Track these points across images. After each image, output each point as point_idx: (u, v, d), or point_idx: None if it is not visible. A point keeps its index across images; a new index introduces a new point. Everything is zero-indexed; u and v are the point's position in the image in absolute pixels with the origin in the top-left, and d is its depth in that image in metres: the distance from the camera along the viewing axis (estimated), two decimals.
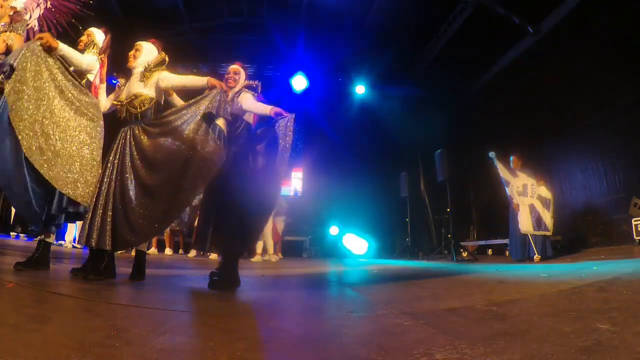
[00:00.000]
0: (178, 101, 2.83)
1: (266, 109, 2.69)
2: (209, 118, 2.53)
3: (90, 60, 2.71)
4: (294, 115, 2.67)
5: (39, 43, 2.41)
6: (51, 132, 2.44)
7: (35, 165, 2.35)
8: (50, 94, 2.46)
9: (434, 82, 8.90)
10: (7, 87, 2.25)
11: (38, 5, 2.51)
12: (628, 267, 3.12)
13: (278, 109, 2.68)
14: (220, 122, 2.58)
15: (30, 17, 2.56)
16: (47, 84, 2.44)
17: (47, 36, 2.46)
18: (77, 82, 2.59)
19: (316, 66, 9.13)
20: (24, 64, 2.33)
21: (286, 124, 2.69)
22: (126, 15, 7.46)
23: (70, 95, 2.54)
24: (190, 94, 2.70)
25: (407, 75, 9.32)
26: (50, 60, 2.47)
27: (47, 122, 2.43)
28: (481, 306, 1.75)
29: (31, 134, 2.36)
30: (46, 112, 2.43)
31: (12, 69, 2.24)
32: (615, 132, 5.75)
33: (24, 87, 2.34)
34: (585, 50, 5.87)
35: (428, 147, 8.14)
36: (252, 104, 2.77)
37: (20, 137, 2.31)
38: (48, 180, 2.39)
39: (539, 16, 6.53)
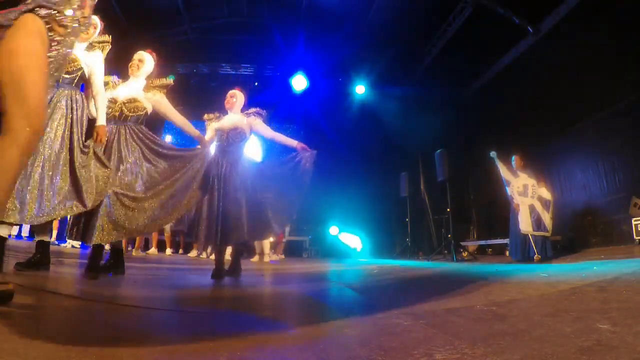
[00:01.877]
0: (177, 118, 2.95)
1: (293, 142, 3.11)
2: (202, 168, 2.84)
3: (100, 67, 2.70)
4: (315, 152, 3.01)
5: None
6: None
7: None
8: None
9: (434, 82, 8.90)
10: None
11: None
12: (628, 267, 3.12)
13: (304, 145, 3.05)
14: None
15: None
16: None
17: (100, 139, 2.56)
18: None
19: (316, 66, 9.13)
20: None
21: (308, 158, 3.00)
22: (126, 15, 7.46)
23: None
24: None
25: (407, 75, 9.32)
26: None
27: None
28: (481, 306, 1.75)
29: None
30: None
31: None
32: (615, 132, 5.74)
33: None
34: (585, 50, 5.86)
35: (428, 147, 8.13)
36: (272, 133, 3.19)
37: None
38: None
39: (539, 16, 6.54)
